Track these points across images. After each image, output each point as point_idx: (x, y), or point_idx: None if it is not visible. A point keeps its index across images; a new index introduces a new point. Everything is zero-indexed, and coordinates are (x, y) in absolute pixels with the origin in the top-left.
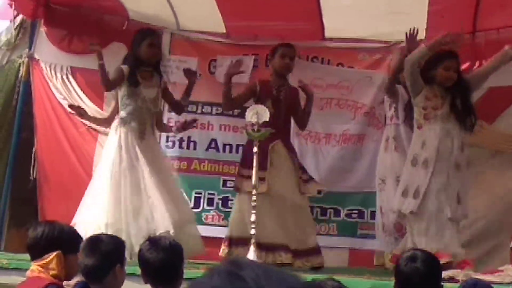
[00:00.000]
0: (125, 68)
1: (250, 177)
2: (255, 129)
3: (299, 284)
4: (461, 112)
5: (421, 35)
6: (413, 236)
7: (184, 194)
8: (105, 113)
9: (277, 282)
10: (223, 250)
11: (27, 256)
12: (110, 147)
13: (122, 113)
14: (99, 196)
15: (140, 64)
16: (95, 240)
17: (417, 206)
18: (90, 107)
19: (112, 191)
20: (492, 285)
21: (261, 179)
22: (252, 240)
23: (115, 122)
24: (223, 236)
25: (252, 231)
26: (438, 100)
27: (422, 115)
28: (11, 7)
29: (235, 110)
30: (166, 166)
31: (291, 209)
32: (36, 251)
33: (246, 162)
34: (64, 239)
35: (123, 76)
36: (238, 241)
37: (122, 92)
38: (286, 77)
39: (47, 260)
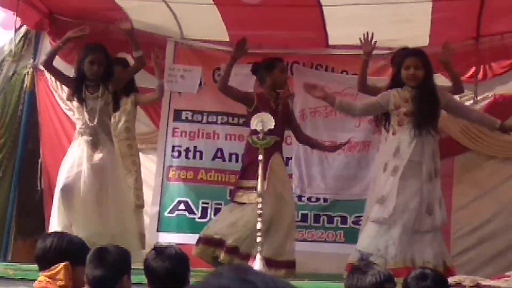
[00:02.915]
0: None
1: (252, 188)
2: (260, 137)
3: None
4: (426, 116)
5: (425, 42)
6: (377, 241)
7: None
8: None
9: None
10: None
11: (33, 266)
12: (68, 158)
13: (77, 125)
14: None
15: (85, 79)
16: (102, 251)
17: (387, 214)
18: None
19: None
20: None
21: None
22: (259, 248)
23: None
24: None
25: (258, 239)
26: (409, 105)
27: (396, 122)
28: (15, 16)
29: (241, 119)
30: (115, 177)
31: (279, 219)
32: (45, 262)
33: (247, 173)
34: (72, 251)
35: (69, 83)
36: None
37: (75, 106)
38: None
39: (55, 271)
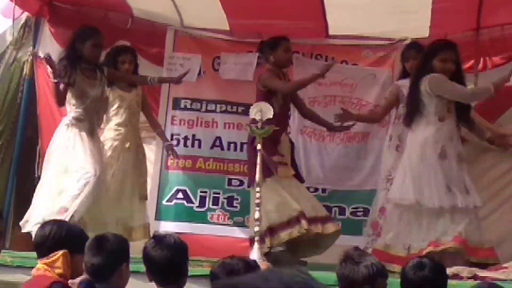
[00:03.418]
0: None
1: (281, 163)
2: (259, 126)
3: None
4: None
5: (425, 33)
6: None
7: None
8: None
9: None
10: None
11: (31, 254)
12: (62, 145)
13: (74, 113)
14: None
15: (81, 61)
16: (101, 239)
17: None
18: None
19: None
20: (497, 282)
21: (284, 163)
22: (256, 238)
23: (66, 120)
24: (228, 235)
25: (256, 228)
26: None
27: (446, 108)
28: (13, 1)
29: (240, 107)
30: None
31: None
32: (43, 249)
33: (273, 149)
34: (71, 239)
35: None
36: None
37: (71, 92)
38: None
39: (53, 259)
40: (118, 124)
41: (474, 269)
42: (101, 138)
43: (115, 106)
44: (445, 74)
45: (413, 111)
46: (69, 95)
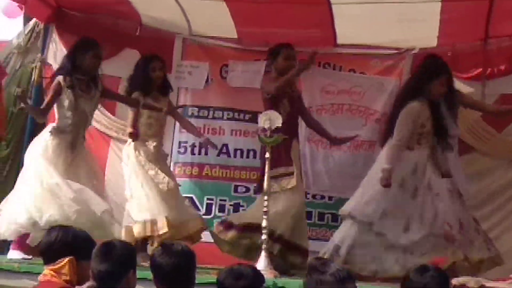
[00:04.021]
0: (61, 79)
1: (280, 176)
2: (268, 135)
3: None
4: (444, 131)
5: (433, 42)
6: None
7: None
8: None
9: None
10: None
11: (38, 260)
12: (41, 154)
13: (59, 123)
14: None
15: (78, 72)
16: (108, 246)
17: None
18: (102, 112)
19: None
20: None
21: (289, 174)
22: (264, 246)
23: (51, 127)
24: None
25: (263, 236)
26: (429, 122)
27: (416, 140)
28: (21, 9)
29: (247, 115)
30: (90, 173)
31: (303, 207)
32: (50, 255)
33: (273, 162)
34: (78, 245)
35: (59, 90)
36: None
37: (63, 102)
38: None
39: (59, 265)
40: (152, 136)
41: (480, 279)
42: (145, 148)
43: (150, 118)
44: (440, 98)
45: (388, 132)
46: (61, 104)
